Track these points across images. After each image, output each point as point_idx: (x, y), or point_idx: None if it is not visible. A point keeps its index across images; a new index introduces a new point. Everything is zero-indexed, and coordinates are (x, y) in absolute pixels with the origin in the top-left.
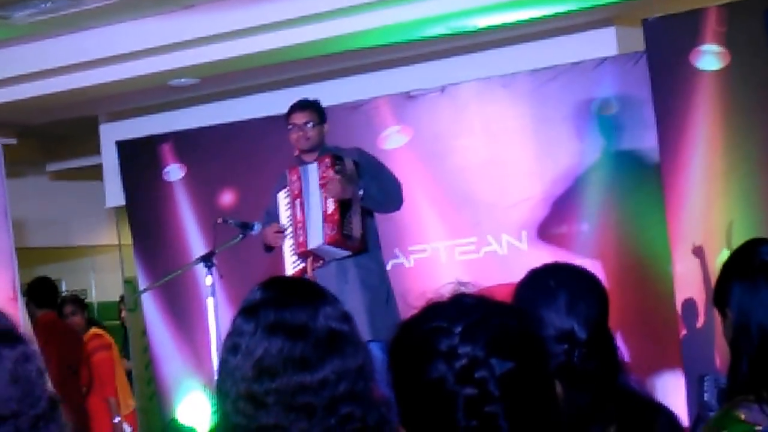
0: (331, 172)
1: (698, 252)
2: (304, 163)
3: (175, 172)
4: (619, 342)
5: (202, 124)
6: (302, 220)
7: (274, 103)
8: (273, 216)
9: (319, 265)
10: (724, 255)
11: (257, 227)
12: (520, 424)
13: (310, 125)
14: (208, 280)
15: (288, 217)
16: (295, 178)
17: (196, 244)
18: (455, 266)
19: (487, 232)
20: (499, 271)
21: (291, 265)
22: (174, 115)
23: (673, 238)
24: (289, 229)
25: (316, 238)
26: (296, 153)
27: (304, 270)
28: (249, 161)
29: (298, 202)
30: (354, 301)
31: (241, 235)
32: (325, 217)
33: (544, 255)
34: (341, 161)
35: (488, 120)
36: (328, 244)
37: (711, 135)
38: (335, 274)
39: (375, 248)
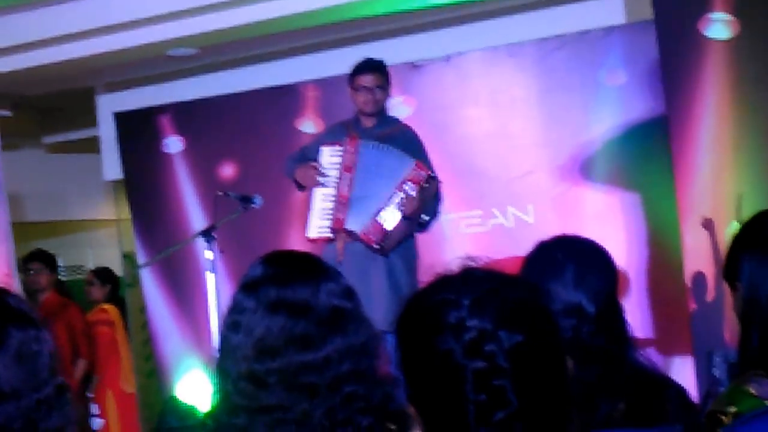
0: (417, 187)
1: (708, 224)
2: (362, 126)
3: (174, 144)
4: (628, 316)
5: (202, 95)
6: (347, 197)
7: (275, 73)
8: (307, 159)
9: (348, 240)
10: (734, 227)
11: (258, 200)
12: (529, 398)
13: (378, 89)
14: (208, 255)
15: (335, 180)
16: (352, 149)
17: (196, 218)
18: (461, 239)
19: (492, 205)
20: (505, 244)
21: (316, 228)
22: (173, 86)
23: (683, 210)
24: (329, 193)
25: (358, 223)
26: (357, 113)
27: (328, 240)
28: (249, 133)
29: (347, 175)
30: (379, 281)
31: (241, 209)
32: (378, 213)
33: (551, 227)
34: (432, 181)
35: (494, 90)
36: (361, 239)
37: (720, 105)
38: (363, 250)
39: (408, 249)
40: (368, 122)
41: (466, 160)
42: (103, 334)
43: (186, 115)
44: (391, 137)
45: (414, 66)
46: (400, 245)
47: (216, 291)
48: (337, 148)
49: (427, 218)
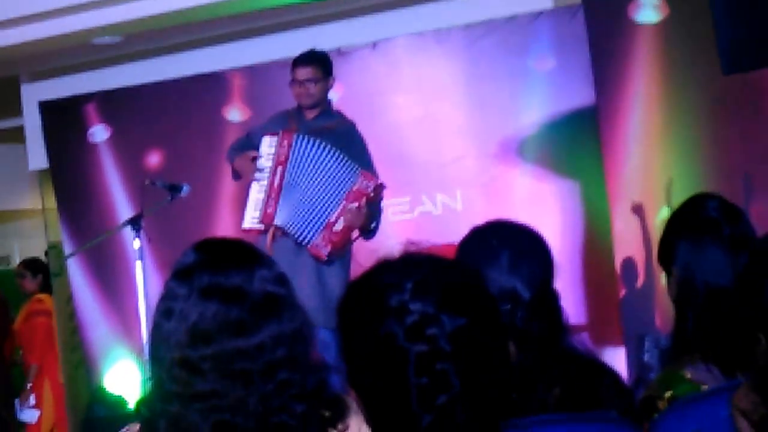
0: (364, 200)
1: (638, 210)
2: (303, 118)
3: (100, 133)
4: (565, 302)
5: (128, 84)
6: (277, 191)
7: (201, 61)
8: (252, 145)
9: (279, 234)
10: (664, 212)
11: (186, 189)
12: (471, 381)
13: (313, 83)
14: (136, 244)
15: (267, 172)
16: (285, 143)
17: (123, 207)
18: (388, 227)
19: (421, 191)
20: (433, 231)
21: (250, 218)
22: (98, 75)
23: (613, 195)
24: (264, 185)
25: (285, 220)
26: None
27: (260, 232)
28: (176, 121)
29: (280, 169)
30: (307, 280)
31: (169, 197)
32: (328, 227)
33: (479, 214)
34: (380, 190)
35: (421, 77)
36: (310, 250)
37: (650, 89)
38: (292, 246)
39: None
40: (310, 114)
41: (394, 147)
42: (41, 324)
43: (112, 103)
44: (332, 132)
45: (340, 53)
46: None
47: (144, 280)
48: (276, 139)
49: (372, 225)
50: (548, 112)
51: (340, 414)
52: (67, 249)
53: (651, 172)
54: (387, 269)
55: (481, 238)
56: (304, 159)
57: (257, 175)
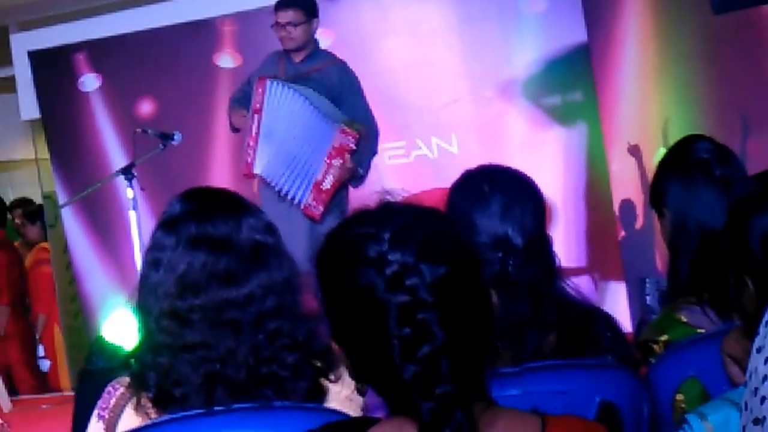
0: (345, 155)
1: (634, 151)
2: (291, 60)
3: (90, 82)
4: (558, 246)
5: (118, 33)
6: (255, 139)
7: (191, 8)
8: (248, 93)
9: (263, 185)
10: (661, 153)
11: (178, 137)
12: (454, 331)
13: (293, 26)
14: (129, 193)
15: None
16: (260, 90)
17: (116, 156)
18: (385, 171)
19: (416, 136)
20: (430, 175)
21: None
22: (88, 24)
23: (608, 136)
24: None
25: (263, 169)
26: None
27: (251, 175)
28: (166, 69)
29: (256, 117)
30: (298, 224)
31: (161, 146)
32: (316, 186)
33: (475, 158)
34: (359, 141)
35: (413, 20)
36: (304, 212)
37: (642, 29)
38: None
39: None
40: (297, 57)
41: (388, 92)
42: (47, 273)
43: (102, 52)
44: (321, 73)
45: None
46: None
47: (138, 228)
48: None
49: (362, 172)
50: (541, 53)
51: (332, 364)
52: (61, 199)
53: (646, 112)
54: (364, 219)
55: (472, 183)
56: (278, 108)
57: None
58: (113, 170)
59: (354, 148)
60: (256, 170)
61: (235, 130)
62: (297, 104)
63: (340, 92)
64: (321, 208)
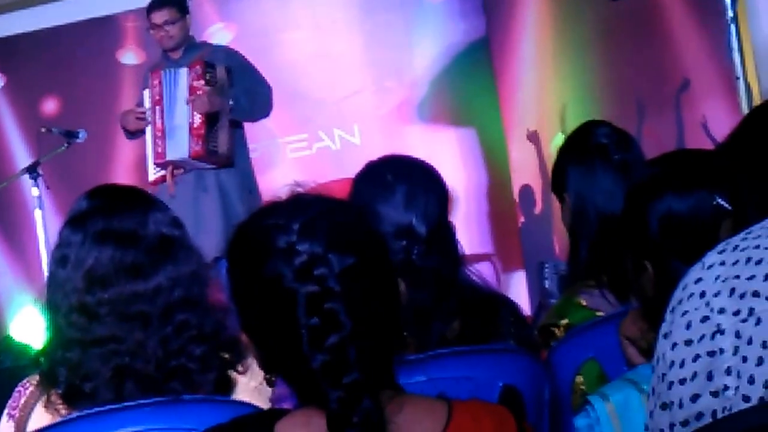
0: (201, 83)
1: (533, 137)
2: (170, 60)
3: None
4: (460, 233)
5: (21, 31)
6: (161, 128)
7: (93, 5)
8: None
9: (179, 172)
10: (559, 139)
11: (82, 135)
12: (362, 320)
13: (170, 24)
14: (35, 192)
15: (150, 117)
16: (156, 82)
17: (21, 155)
18: (288, 164)
19: (318, 128)
20: (333, 166)
21: (152, 170)
22: None
23: (508, 124)
24: (149, 135)
25: (179, 150)
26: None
27: (164, 178)
28: (70, 67)
29: (158, 108)
30: (211, 211)
31: (66, 144)
32: (191, 130)
33: (378, 148)
34: (212, 69)
35: (314, 12)
36: (193, 158)
37: (540, 16)
38: (193, 181)
39: (242, 159)
40: (175, 55)
41: (290, 84)
42: None
43: (5, 51)
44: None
45: None
46: (235, 167)
47: (44, 227)
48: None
49: (231, 103)
50: (442, 43)
51: (240, 355)
52: None
53: (545, 99)
54: (274, 211)
55: (375, 174)
56: (174, 89)
57: (146, 127)
58: (17, 169)
59: (204, 76)
60: (169, 157)
61: (130, 136)
62: (187, 78)
63: (231, 63)
64: (200, 144)
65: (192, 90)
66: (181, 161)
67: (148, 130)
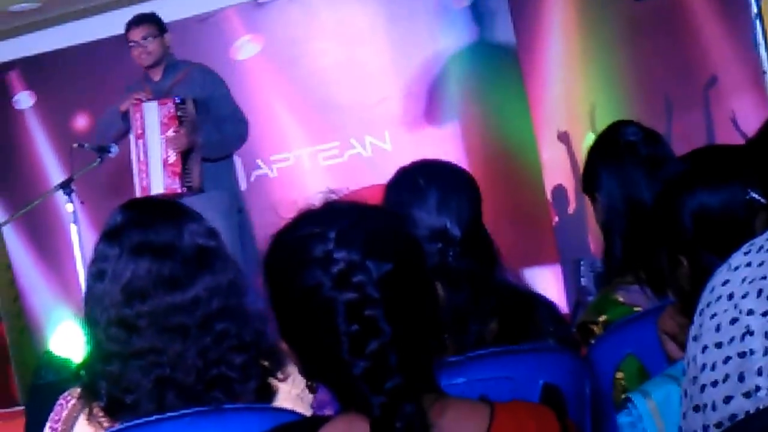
0: (174, 123)
1: (563, 137)
2: (150, 81)
3: (24, 99)
4: (494, 235)
5: (50, 49)
6: (145, 162)
7: (120, 21)
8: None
9: None
10: (590, 138)
11: (114, 149)
12: (401, 325)
13: (148, 40)
14: (69, 207)
15: (134, 147)
16: (138, 116)
17: (54, 172)
18: (320, 172)
19: (349, 135)
20: (365, 173)
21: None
22: (19, 42)
23: (538, 125)
24: (135, 167)
25: (157, 185)
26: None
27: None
28: (99, 83)
29: (141, 143)
30: None
31: (99, 159)
32: (165, 166)
33: (409, 154)
34: (183, 105)
35: (341, 21)
36: (168, 195)
37: (566, 18)
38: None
39: (229, 179)
40: (155, 75)
41: (319, 93)
42: None
43: (35, 69)
44: (183, 83)
45: (258, 3)
46: (223, 189)
47: (80, 242)
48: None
49: (201, 140)
50: (469, 47)
51: (280, 363)
52: (1, 217)
53: (574, 99)
54: (309, 219)
55: (408, 179)
56: (150, 124)
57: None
58: (51, 186)
59: (176, 113)
60: (153, 191)
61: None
62: (164, 110)
63: (207, 91)
64: (176, 180)
65: (165, 126)
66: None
67: (134, 160)
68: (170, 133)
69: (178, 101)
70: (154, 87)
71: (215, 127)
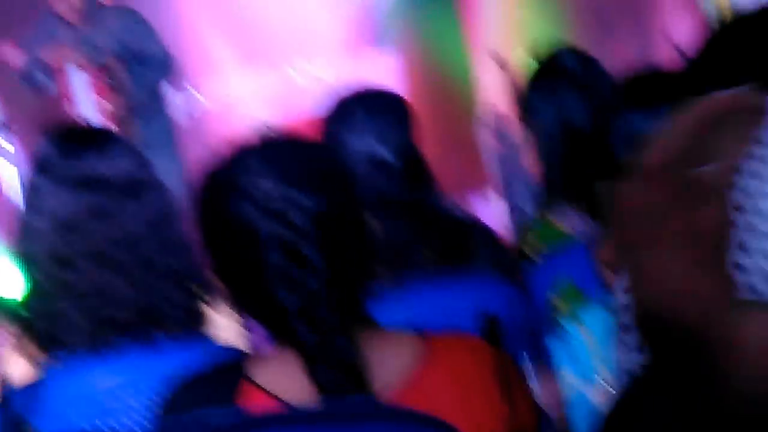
0: (105, 92)
1: (497, 57)
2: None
3: None
4: (431, 162)
5: None
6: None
7: None
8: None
9: None
10: (524, 61)
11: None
12: (332, 258)
13: None
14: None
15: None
16: (65, 80)
17: None
18: (253, 100)
19: (285, 62)
20: (301, 101)
21: None
22: None
23: (472, 46)
24: None
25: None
26: None
27: None
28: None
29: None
30: None
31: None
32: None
33: (341, 78)
34: (113, 74)
35: None
36: None
37: None
38: None
39: (163, 116)
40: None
41: (254, 18)
42: None
43: None
44: (106, 31)
45: None
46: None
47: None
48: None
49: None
50: None
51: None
52: None
53: (508, 20)
54: (243, 153)
55: (345, 109)
56: (83, 89)
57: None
58: None
59: (107, 82)
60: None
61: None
62: None
63: (131, 38)
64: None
65: (96, 96)
66: None
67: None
68: (102, 102)
69: (106, 71)
70: (75, 35)
71: (139, 78)
